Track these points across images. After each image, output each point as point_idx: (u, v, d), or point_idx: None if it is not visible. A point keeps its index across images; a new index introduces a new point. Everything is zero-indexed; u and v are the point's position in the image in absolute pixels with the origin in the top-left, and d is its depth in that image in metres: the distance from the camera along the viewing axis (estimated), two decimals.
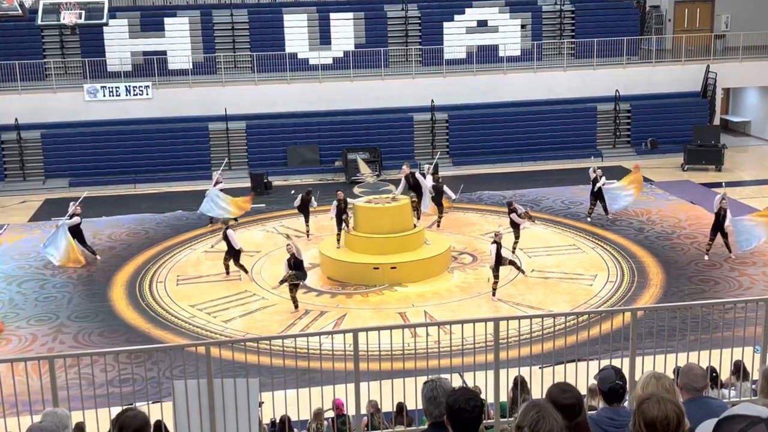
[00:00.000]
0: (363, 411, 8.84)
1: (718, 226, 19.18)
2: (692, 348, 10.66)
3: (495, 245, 17.15)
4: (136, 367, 12.52)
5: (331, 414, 11.00)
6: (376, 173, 26.88)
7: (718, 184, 23.60)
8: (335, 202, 20.05)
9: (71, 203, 20.86)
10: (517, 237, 19.75)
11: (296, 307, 17.10)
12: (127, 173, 28.68)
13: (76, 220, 20.36)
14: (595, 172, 22.21)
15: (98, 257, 20.64)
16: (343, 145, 29.07)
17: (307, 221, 21.73)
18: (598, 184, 22.03)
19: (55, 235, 20.16)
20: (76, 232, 20.38)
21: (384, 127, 29.84)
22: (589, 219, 22.34)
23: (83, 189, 27.69)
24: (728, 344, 8.56)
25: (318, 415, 10.48)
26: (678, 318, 13.85)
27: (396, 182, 21.75)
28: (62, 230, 20.14)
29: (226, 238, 18.82)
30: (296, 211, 21.98)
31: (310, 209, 21.70)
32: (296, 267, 17.01)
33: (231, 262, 19.04)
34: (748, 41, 31.64)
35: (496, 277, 17.37)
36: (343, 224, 19.78)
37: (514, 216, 19.55)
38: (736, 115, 34.70)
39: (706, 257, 19.31)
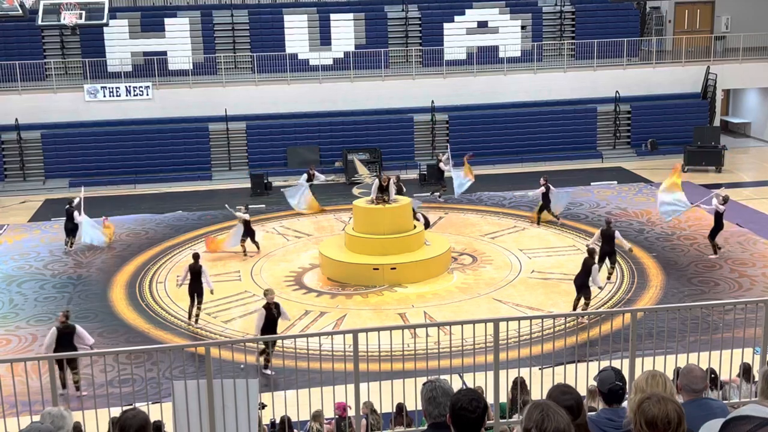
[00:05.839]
0: (361, 412, 8.84)
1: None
2: (692, 349, 10.66)
3: None
4: (136, 368, 12.52)
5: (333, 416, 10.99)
6: (375, 174, 26.84)
7: (718, 185, 23.59)
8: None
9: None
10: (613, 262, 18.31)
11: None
12: (127, 174, 28.68)
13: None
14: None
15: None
16: (343, 145, 29.08)
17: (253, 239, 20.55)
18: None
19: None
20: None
21: (384, 128, 29.85)
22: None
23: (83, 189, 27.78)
24: (728, 345, 8.55)
25: (318, 416, 10.47)
26: (678, 319, 13.86)
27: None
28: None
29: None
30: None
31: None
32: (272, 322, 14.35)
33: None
34: (748, 42, 31.63)
35: None
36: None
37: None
38: (736, 117, 34.69)
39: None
